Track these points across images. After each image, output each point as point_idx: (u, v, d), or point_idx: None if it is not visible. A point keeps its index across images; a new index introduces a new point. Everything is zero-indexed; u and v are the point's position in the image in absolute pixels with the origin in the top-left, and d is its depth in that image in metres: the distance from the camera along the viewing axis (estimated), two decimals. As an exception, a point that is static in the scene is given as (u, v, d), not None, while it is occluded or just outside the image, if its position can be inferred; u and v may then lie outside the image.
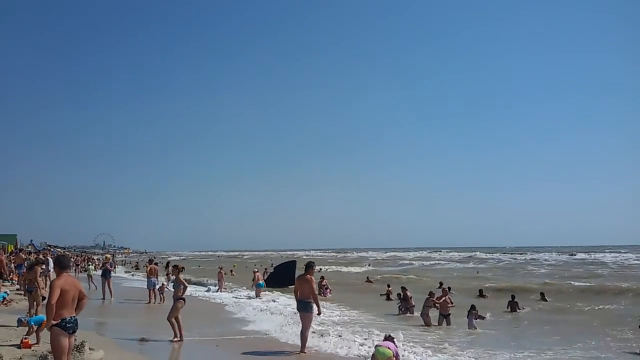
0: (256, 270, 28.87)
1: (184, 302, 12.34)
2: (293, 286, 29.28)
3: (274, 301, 22.34)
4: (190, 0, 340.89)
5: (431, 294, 18.15)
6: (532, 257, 76.03)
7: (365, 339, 12.68)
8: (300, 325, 11.49)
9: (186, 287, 12.68)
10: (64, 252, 77.13)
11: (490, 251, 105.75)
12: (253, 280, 26.67)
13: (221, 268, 32.20)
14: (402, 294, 20.87)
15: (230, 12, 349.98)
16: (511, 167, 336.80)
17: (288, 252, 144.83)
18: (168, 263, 32.76)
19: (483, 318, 17.51)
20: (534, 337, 14.97)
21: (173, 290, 12.73)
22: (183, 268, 13.57)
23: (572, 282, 30.91)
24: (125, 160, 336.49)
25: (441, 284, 27.02)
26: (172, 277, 14.39)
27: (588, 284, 29.83)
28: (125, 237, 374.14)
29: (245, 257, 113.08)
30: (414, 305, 19.96)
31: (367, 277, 36.40)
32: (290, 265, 34.11)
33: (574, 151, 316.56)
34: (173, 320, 12.08)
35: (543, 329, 16.49)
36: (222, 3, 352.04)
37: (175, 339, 11.98)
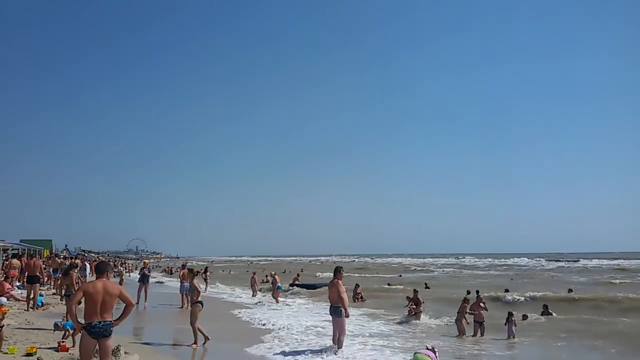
0: (274, 273, 29.16)
1: (202, 305, 12.39)
2: (316, 289, 30.21)
3: (307, 307, 22.49)
4: (185, 2, 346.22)
5: (466, 300, 17.50)
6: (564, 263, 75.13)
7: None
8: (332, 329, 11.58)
9: (199, 292, 12.65)
10: (97, 257, 78.54)
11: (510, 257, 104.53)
12: (272, 284, 26.98)
13: (254, 274, 32.61)
14: (413, 296, 20.16)
15: (228, 11, 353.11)
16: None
17: (311, 258, 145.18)
18: (206, 269, 33.82)
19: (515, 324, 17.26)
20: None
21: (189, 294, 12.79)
22: (198, 272, 13.68)
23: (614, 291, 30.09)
24: (158, 166, 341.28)
25: (469, 292, 26.72)
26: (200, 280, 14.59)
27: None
28: (158, 242, 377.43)
29: (262, 263, 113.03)
30: (422, 311, 19.69)
31: (388, 283, 36.03)
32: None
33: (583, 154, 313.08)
34: (197, 325, 12.16)
35: (586, 343, 15.54)
36: (222, 3, 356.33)
37: (194, 345, 11.97)
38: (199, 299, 12.40)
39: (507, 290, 27.42)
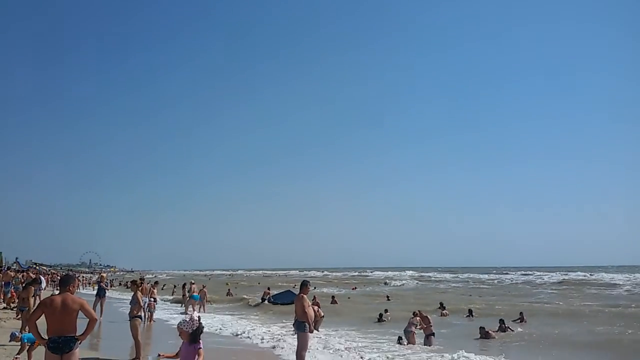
0: (192, 282, 28.90)
1: (141, 319, 12.25)
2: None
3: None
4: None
5: (415, 314, 18.32)
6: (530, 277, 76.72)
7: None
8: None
9: (141, 306, 12.46)
10: (50, 270, 76.29)
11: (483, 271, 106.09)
12: (188, 292, 26.85)
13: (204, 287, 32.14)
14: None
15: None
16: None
17: (290, 271, 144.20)
18: (203, 287, 31.66)
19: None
20: None
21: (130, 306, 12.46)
22: (142, 284, 13.38)
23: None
24: (112, 179, 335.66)
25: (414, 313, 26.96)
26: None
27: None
28: (112, 255, 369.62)
29: (223, 275, 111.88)
30: (323, 316, 19.83)
31: (333, 297, 35.32)
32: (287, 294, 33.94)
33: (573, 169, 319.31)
34: (139, 338, 11.90)
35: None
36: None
37: None
38: (139, 313, 12.19)
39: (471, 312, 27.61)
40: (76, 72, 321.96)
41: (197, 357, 5.98)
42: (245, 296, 39.49)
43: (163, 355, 6.79)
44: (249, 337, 17.53)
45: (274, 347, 15.14)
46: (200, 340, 6.11)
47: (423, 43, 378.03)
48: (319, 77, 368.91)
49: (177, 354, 6.17)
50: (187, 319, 6.13)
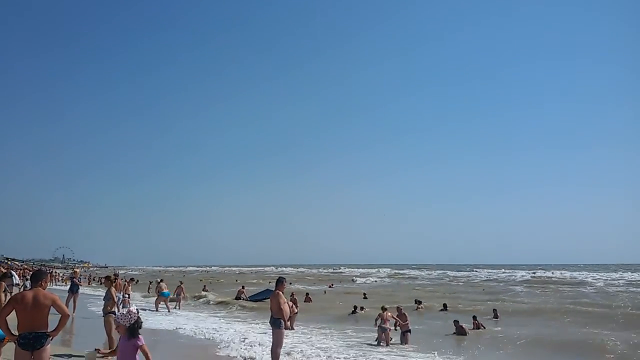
0: (160, 280, 28.99)
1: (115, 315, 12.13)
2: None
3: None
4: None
5: (384, 309, 18.38)
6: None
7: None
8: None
9: (115, 302, 12.33)
10: (22, 265, 75.10)
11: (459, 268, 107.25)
12: (156, 290, 26.94)
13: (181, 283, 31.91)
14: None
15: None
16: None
17: (265, 268, 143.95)
18: (181, 283, 31.43)
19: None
20: None
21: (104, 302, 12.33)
22: (115, 279, 13.25)
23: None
24: (88, 175, 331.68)
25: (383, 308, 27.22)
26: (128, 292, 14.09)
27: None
28: (85, 251, 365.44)
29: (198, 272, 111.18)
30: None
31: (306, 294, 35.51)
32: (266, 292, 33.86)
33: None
34: (112, 334, 11.72)
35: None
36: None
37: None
38: (114, 309, 12.06)
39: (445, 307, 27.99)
40: (67, 67, 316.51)
41: (139, 353, 5.80)
42: (207, 293, 38.69)
43: (100, 351, 6.62)
44: (207, 336, 17.19)
45: (226, 345, 15.07)
46: (141, 336, 5.95)
47: (421, 37, 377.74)
48: (305, 75, 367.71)
49: (115, 349, 6.01)
50: (125, 312, 5.93)
